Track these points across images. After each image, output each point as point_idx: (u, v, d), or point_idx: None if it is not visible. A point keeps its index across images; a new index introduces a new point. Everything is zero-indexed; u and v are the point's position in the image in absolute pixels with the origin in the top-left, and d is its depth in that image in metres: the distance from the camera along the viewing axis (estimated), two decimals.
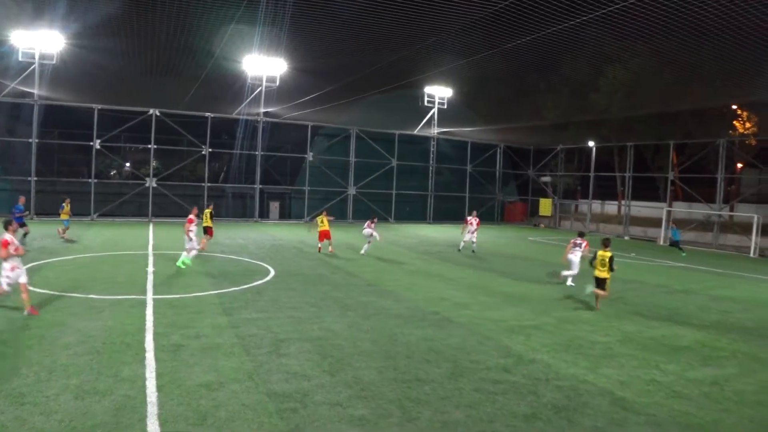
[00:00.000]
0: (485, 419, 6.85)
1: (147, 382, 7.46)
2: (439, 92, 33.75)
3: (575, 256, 16.87)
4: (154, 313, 11.20)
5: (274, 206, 38.47)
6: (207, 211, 21.84)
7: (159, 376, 7.71)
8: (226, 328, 10.29)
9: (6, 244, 10.58)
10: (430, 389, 7.75)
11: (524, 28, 17.41)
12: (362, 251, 22.07)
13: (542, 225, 45.47)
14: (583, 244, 16.93)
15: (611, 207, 45.41)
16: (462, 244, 25.29)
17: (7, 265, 10.68)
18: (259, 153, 36.04)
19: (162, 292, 13.22)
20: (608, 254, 13.97)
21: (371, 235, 21.90)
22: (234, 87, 28.39)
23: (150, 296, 12.73)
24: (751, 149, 40.31)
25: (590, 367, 9.12)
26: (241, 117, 35.68)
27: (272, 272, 16.78)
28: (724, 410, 7.57)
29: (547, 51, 20.29)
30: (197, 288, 13.90)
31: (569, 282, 17.05)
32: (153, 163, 35.13)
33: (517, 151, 47.85)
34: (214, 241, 22.95)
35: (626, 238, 37.16)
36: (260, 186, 36.23)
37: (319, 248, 22.05)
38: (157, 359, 8.39)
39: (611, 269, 13.91)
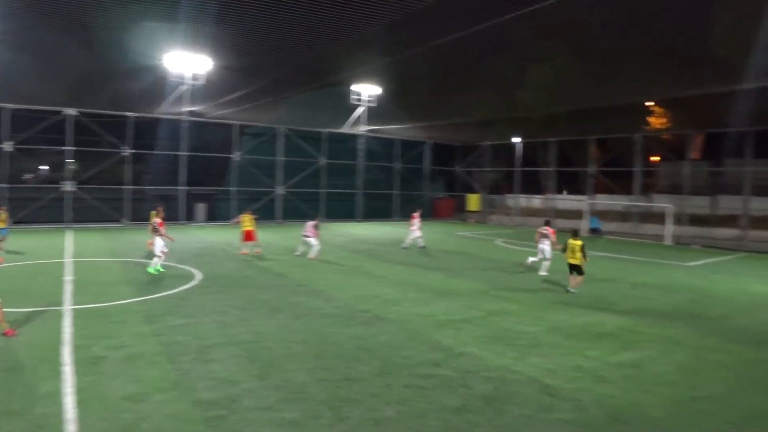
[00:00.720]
0: (416, 414, 6.91)
1: (65, 398, 7.10)
2: (367, 90, 33.73)
3: (545, 245, 18.10)
4: (73, 324, 10.68)
5: (201, 208, 37.48)
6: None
7: (78, 390, 7.36)
8: (149, 336, 9.94)
9: None
10: (360, 388, 7.75)
11: (450, 26, 17.60)
12: (297, 252, 21.54)
13: (471, 220, 46.28)
14: (550, 232, 18.11)
15: (537, 201, 46.73)
16: (407, 242, 25.28)
17: None
18: (183, 153, 35.01)
19: (81, 301, 12.63)
20: (578, 243, 15.55)
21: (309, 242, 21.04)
22: (156, 85, 27.42)
23: (68, 306, 12.14)
24: (665, 143, 42.69)
25: (518, 357, 9.38)
26: (164, 116, 34.55)
27: (198, 276, 16.35)
28: (644, 391, 7.98)
29: (474, 49, 20.58)
30: (119, 296, 13.36)
31: (542, 272, 18.27)
32: (71, 166, 33.49)
33: (445, 147, 48.53)
34: (134, 246, 22.22)
35: None
36: (185, 188, 35.22)
37: (245, 251, 21.43)
38: (76, 373, 8.01)
39: (584, 256, 15.43)
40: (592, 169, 38.53)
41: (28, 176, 37.30)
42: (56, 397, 7.15)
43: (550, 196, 41.36)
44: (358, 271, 18.42)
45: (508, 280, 17.36)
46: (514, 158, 43.79)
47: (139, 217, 33.42)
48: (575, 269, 15.59)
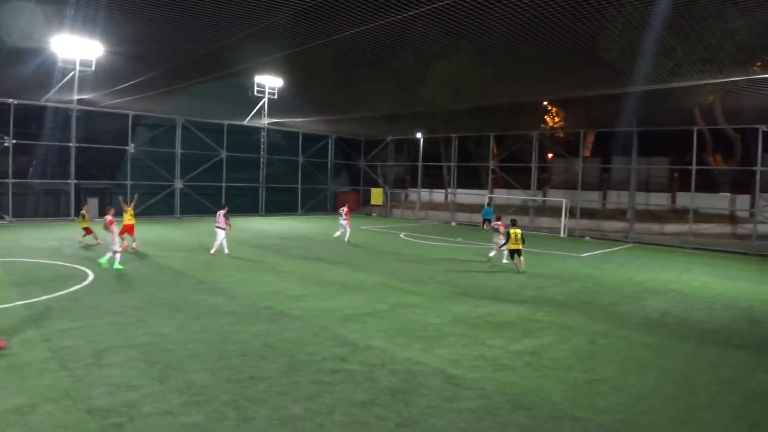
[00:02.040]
0: (324, 411, 6.86)
1: None
2: (269, 82, 33.16)
3: (499, 239, 19.97)
4: None
5: (93, 203, 35.43)
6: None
7: None
8: (37, 342, 9.24)
9: None
10: (266, 386, 7.60)
11: (353, 19, 17.56)
12: (213, 250, 20.37)
13: (374, 214, 46.63)
14: (499, 224, 20.44)
15: (439, 195, 47.77)
16: (344, 234, 25.72)
17: None
18: (73, 144, 32.86)
19: None
20: (519, 231, 18.44)
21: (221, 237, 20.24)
22: (42, 70, 25.57)
23: None
24: (559, 141, 45.01)
25: (424, 348, 9.52)
26: (51, 104, 32.26)
27: (91, 276, 15.41)
28: (543, 376, 8.35)
29: (377, 44, 20.68)
30: (1, 299, 12.37)
31: (504, 260, 20.00)
32: None
33: (349, 141, 48.61)
34: (17, 245, 20.79)
35: (453, 224, 39.29)
36: (75, 181, 33.11)
37: (126, 245, 19.96)
38: None
39: (523, 242, 18.39)
40: (491, 164, 39.81)
41: None
42: None
43: (451, 190, 42.37)
44: (262, 266, 18.08)
45: (413, 273, 17.62)
46: (418, 153, 44.50)
47: (23, 213, 31.23)
48: (516, 253, 18.34)
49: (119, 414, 6.61)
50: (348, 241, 25.34)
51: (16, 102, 30.67)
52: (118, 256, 16.64)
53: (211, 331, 10.19)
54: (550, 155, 46.49)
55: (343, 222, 25.62)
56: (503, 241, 19.27)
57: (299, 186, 44.50)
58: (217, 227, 20.21)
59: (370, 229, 33.79)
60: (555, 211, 35.48)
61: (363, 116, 36.55)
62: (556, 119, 47.15)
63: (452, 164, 41.64)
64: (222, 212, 20.30)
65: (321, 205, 46.13)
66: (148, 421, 6.46)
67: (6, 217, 30.55)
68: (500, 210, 36.75)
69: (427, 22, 17.90)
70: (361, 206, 48.39)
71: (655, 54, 19.21)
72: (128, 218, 20.58)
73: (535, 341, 10.25)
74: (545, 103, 42.94)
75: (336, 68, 26.61)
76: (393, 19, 17.03)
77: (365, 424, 6.57)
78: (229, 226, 20.47)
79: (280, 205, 42.71)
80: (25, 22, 19.32)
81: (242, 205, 40.47)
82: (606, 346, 10.15)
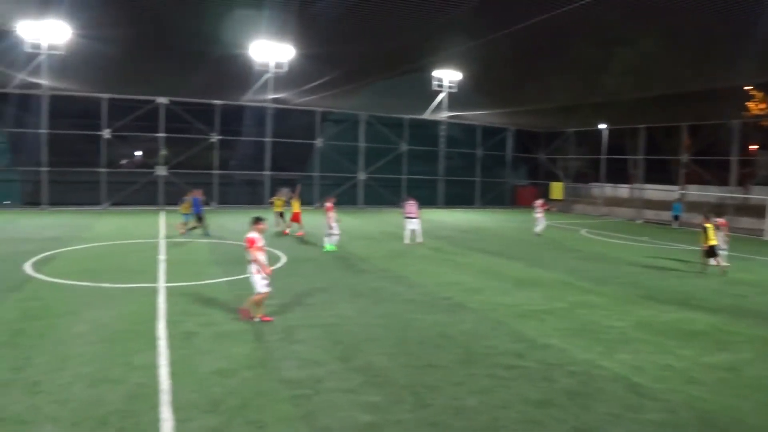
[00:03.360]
0: (499, 405, 6.81)
1: (159, 370, 7.48)
2: (448, 76, 33.44)
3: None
4: (167, 300, 11.22)
5: (284, 193, 38.34)
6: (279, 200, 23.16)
7: (171, 363, 7.74)
8: (236, 315, 10.29)
9: (252, 242, 9.92)
10: (442, 375, 7.71)
11: (533, 9, 17.15)
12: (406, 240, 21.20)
13: (554, 209, 45.14)
14: (719, 221, 19.07)
15: (623, 190, 44.98)
16: (539, 229, 25.52)
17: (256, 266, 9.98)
18: (268, 139, 35.97)
19: (173, 279, 13.25)
20: (712, 225, 17.24)
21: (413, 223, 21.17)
22: (242, 73, 28.24)
23: (162, 284, 12.76)
24: (764, 130, 39.80)
25: (605, 352, 9.02)
26: (249, 104, 35.61)
27: (283, 258, 16.76)
28: (740, 396, 7.46)
29: (556, 33, 20.02)
30: (208, 276, 13.91)
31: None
32: (162, 152, 35.06)
33: (528, 134, 47.39)
34: (222, 228, 23.03)
35: (639, 221, 36.86)
36: (269, 172, 36.19)
37: (297, 233, 21.92)
38: (169, 347, 8.42)
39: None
40: (683, 157, 36.64)
41: (124, 161, 39.44)
42: (151, 368, 7.53)
43: (637, 185, 39.67)
44: (440, 258, 18.35)
45: (593, 271, 16.77)
46: (600, 145, 42.27)
47: (226, 200, 34.74)
48: (712, 252, 16.92)
49: (306, 386, 7.13)
50: (538, 233, 25.05)
51: (220, 103, 34.16)
52: (335, 239, 18.51)
53: (391, 317, 10.57)
54: (753, 147, 41.45)
55: (538, 215, 25.24)
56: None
57: (477, 179, 44.38)
58: (408, 217, 21.02)
59: (550, 224, 32.69)
60: (758, 211, 31.76)
61: (541, 108, 35.47)
62: (761, 106, 41.63)
63: (639, 157, 38.94)
64: (412, 202, 21.22)
65: (499, 198, 45.58)
66: (331, 396, 6.89)
67: (212, 203, 34.24)
68: (693, 208, 33.78)
69: (610, 6, 16.95)
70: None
71: None
72: (296, 207, 22.06)
73: (733, 355, 9.27)
74: (747, 87, 38.18)
75: (515, 59, 26.16)
76: (574, 6, 16.33)
77: (540, 423, 6.40)
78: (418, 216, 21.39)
79: (458, 198, 42.92)
80: (230, 31, 21.41)
81: (421, 196, 41.26)
82: None
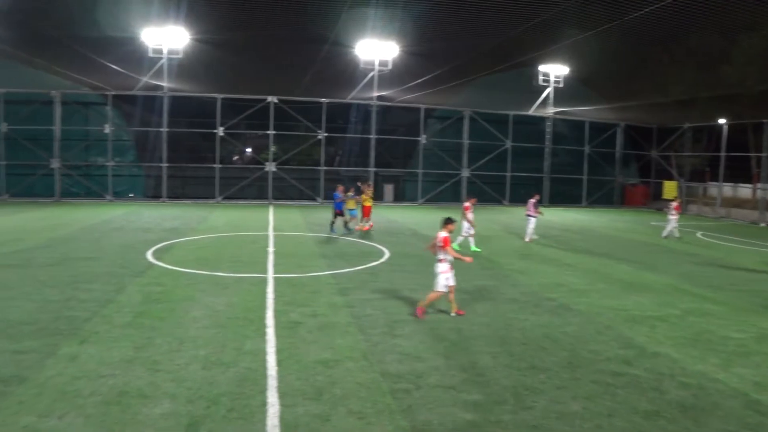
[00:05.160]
0: (604, 413, 6.52)
1: (267, 356, 7.79)
2: (554, 70, 32.50)
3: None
4: (275, 291, 11.67)
5: (388, 189, 38.85)
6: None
7: (278, 351, 8.03)
8: (341, 307, 10.53)
9: (447, 241, 10.24)
10: (545, 378, 7.51)
11: None
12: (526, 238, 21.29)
13: (667, 210, 42.82)
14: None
15: (745, 190, 41.96)
16: (667, 231, 24.53)
17: (444, 265, 10.25)
18: (372, 136, 36.50)
19: (281, 271, 13.75)
20: None
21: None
22: (347, 72, 28.85)
23: (270, 275, 13.27)
24: None
25: (721, 364, 8.38)
26: (354, 101, 36.33)
27: (387, 254, 16.96)
28: None
29: (671, 22, 18.92)
30: (314, 268, 14.32)
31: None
32: (272, 148, 36.48)
33: (639, 130, 45.07)
34: (328, 223, 23.55)
35: (762, 225, 34.21)
36: (374, 169, 36.71)
37: (364, 227, 21.97)
38: (277, 335, 8.75)
39: None
40: None
41: (236, 158, 41.44)
42: (260, 354, 7.87)
43: (761, 185, 36.80)
44: (544, 257, 17.89)
45: (709, 277, 15.67)
46: (719, 142, 39.56)
47: (331, 196, 35.58)
48: None
49: (407, 381, 7.17)
50: (677, 236, 23.98)
51: (327, 101, 35.04)
52: (471, 239, 18.27)
53: (494, 316, 10.43)
54: None
55: (672, 217, 24.04)
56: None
57: (584, 177, 42.84)
58: (528, 215, 21.08)
59: (661, 225, 31.13)
60: None
61: (654, 102, 33.64)
62: None
63: (763, 155, 36.09)
64: (533, 201, 21.16)
65: (607, 197, 43.81)
66: (432, 392, 6.89)
67: (318, 198, 35.26)
68: None
69: None
70: (651, 201, 44.79)
71: None
72: (367, 200, 22.18)
73: None
74: None
75: (625, 51, 25.00)
76: None
77: None
78: (541, 213, 21.53)
79: (564, 196, 41.64)
80: (338, 33, 21.94)
81: (525, 195, 40.48)
82: None
